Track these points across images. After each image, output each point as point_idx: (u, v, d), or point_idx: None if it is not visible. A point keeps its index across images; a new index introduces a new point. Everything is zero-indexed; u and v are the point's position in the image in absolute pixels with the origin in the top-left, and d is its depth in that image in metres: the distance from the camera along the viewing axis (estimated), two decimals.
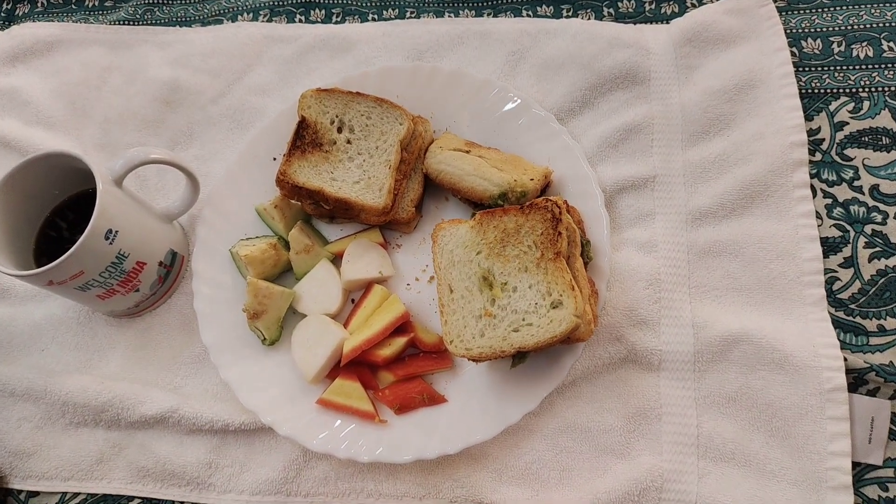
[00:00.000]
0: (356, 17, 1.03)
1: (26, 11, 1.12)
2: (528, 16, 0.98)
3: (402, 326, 0.79)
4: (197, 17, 1.07)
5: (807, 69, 0.87)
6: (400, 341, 0.78)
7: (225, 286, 0.84)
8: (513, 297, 0.71)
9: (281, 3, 1.05)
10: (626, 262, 0.80)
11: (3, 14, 1.12)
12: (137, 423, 0.81)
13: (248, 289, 0.80)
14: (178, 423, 0.80)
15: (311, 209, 0.86)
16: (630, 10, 0.96)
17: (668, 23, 0.94)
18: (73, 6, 1.11)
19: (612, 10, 0.97)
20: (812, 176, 0.82)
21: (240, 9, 1.06)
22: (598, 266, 0.77)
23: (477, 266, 0.74)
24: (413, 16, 1.02)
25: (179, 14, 1.07)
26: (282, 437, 0.77)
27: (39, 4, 1.12)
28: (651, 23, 0.95)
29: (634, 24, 0.95)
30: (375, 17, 1.03)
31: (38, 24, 1.06)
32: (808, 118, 0.84)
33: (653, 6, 0.96)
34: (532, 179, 0.80)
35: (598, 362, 0.77)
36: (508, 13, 0.99)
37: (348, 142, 0.85)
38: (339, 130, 0.85)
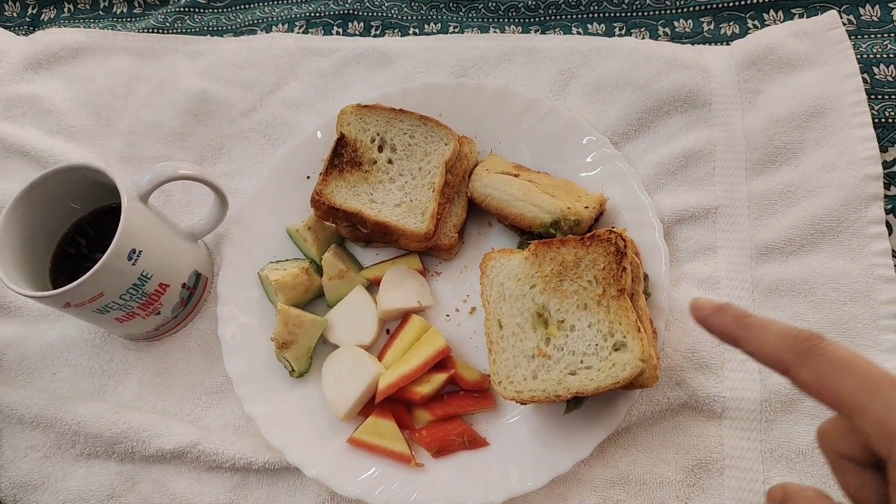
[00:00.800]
0: (396, 30, 0.99)
1: (52, 16, 1.09)
2: (579, 33, 0.94)
3: (442, 362, 0.73)
4: (229, 27, 1.03)
5: (880, 97, 0.82)
6: (439, 378, 0.72)
7: (251, 312, 0.79)
8: (570, 337, 0.65)
9: (318, 14, 1.02)
10: (687, 299, 0.74)
11: (27, 19, 1.09)
12: (153, 456, 0.75)
13: (279, 316, 0.75)
14: (197, 459, 0.74)
15: (347, 232, 0.81)
16: (687, 29, 0.92)
17: (728, 44, 0.89)
18: (101, 12, 1.08)
19: (667, 30, 0.92)
20: (887, 211, 0.76)
21: (274, 19, 1.02)
22: (657, 303, 0.72)
23: (531, 301, 0.69)
24: (456, 30, 0.97)
25: (211, 23, 1.03)
26: (309, 479, 0.72)
27: (66, 10, 1.09)
28: (710, 44, 0.90)
29: (692, 44, 0.90)
30: (416, 31, 0.98)
31: (64, 29, 1.03)
32: (883, 149, 0.79)
33: (711, 26, 0.91)
34: (587, 207, 0.75)
35: (656, 408, 0.71)
36: (557, 30, 0.95)
37: (390, 161, 0.80)
38: (381, 149, 0.81)
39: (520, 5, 0.97)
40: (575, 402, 0.66)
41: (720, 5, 0.92)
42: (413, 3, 1.01)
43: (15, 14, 1.10)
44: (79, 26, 1.05)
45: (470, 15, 0.99)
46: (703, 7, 0.92)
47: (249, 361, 0.77)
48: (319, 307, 0.81)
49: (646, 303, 0.68)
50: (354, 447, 0.71)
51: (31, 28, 1.08)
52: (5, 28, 1.06)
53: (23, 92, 0.97)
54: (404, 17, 1.00)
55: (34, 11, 1.09)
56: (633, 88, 0.85)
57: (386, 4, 1.01)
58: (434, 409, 0.72)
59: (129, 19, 1.06)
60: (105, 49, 1.00)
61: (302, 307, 0.79)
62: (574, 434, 0.69)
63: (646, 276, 0.71)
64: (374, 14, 1.01)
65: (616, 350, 0.63)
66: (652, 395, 0.71)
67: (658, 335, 0.70)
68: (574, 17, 0.96)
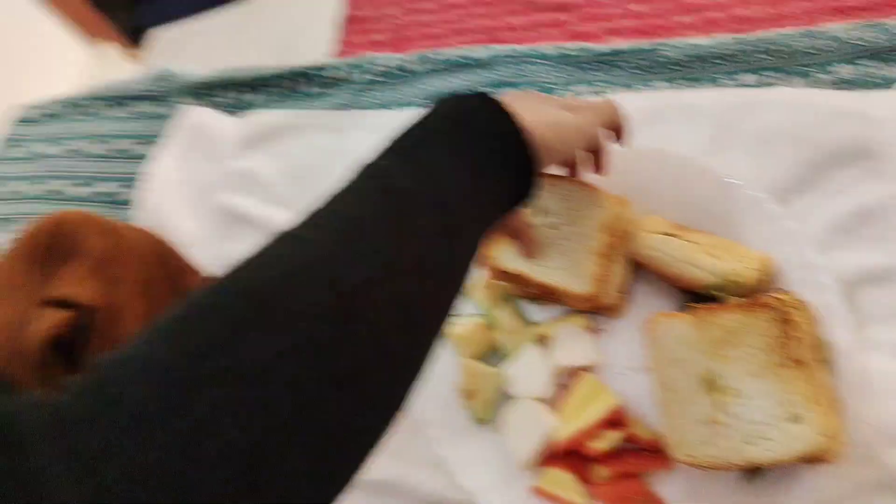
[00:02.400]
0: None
1: (253, 100, 1.17)
2: (730, 85, 0.87)
3: (617, 419, 0.72)
4: (394, 100, 1.06)
5: None
6: (613, 436, 0.71)
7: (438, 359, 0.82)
8: (742, 405, 0.61)
9: (472, 84, 1.02)
10: (876, 368, 0.67)
11: (231, 100, 1.18)
12: None
13: (462, 369, 0.78)
14: None
15: (518, 290, 0.81)
16: (846, 75, 0.82)
17: (894, 87, 0.79)
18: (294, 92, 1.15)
19: (824, 76, 0.83)
20: None
21: (433, 91, 1.04)
22: (841, 372, 0.65)
23: (698, 366, 0.65)
24: (604, 91, 0.94)
25: (392, 97, 1.07)
26: None
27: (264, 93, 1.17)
28: (873, 88, 0.80)
29: (853, 90, 0.81)
30: (564, 93, 0.96)
31: (269, 111, 1.11)
32: None
33: (873, 70, 0.81)
34: (751, 268, 0.69)
35: (845, 485, 0.63)
36: (706, 83, 0.89)
37: (550, 226, 0.79)
38: (541, 215, 0.80)
39: (664, 60, 0.92)
40: (755, 471, 0.62)
41: (879, 46, 0.81)
42: (560, 67, 0.98)
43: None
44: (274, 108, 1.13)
45: (613, 73, 0.95)
46: (861, 50, 0.82)
47: (438, 406, 0.79)
48: (497, 360, 0.82)
49: (826, 372, 0.62)
50: (537, 495, 0.72)
51: (234, 109, 1.16)
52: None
53: (241, 167, 1.06)
54: (552, 80, 0.98)
55: (237, 95, 1.18)
56: (793, 141, 0.78)
57: (534, 68, 1.00)
58: (611, 465, 0.70)
59: (315, 98, 1.12)
60: (301, 127, 1.06)
61: (481, 360, 0.81)
62: (755, 503, 0.64)
63: (826, 343, 0.65)
64: (526, 79, 1.00)
65: (792, 422, 0.58)
66: (841, 471, 0.63)
67: (844, 406, 0.63)
68: (722, 69, 0.89)
